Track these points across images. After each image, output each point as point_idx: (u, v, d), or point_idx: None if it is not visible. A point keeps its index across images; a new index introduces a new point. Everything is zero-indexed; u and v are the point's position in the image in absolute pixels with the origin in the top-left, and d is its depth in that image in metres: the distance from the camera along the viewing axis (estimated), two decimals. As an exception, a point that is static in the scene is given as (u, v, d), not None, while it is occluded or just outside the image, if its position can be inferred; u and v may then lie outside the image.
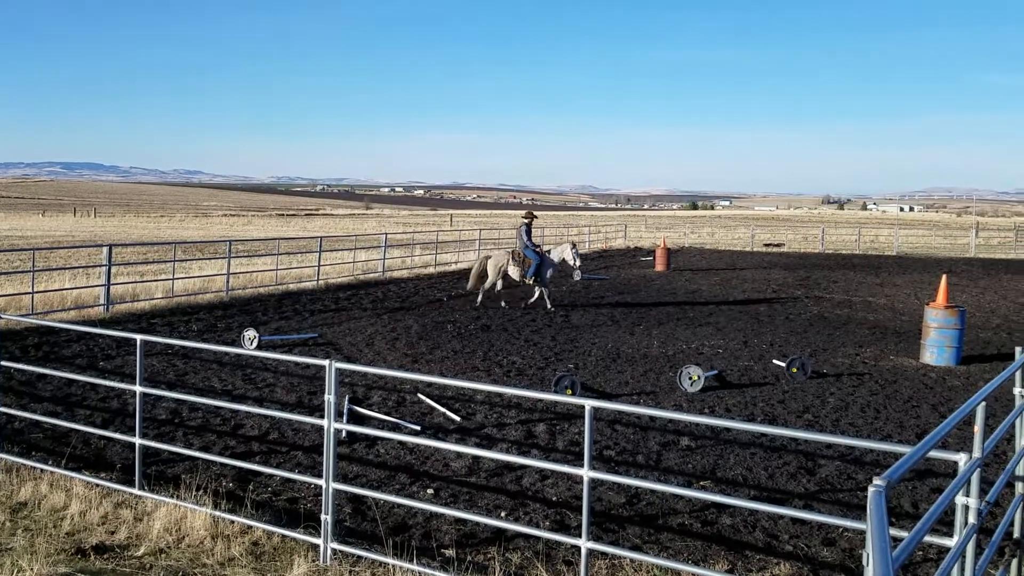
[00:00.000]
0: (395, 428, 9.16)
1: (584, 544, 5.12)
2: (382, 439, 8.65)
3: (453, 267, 30.24)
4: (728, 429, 9.23)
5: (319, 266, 23.75)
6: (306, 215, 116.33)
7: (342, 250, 28.43)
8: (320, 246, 24.31)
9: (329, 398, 5.77)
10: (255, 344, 13.69)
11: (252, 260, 25.87)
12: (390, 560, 5.65)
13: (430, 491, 7.35)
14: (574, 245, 19.85)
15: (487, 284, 19.73)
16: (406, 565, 5.59)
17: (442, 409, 9.91)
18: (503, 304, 19.71)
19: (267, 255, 25.73)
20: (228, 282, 20.38)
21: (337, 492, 6.22)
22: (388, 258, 27.83)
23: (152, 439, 8.08)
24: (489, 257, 20.01)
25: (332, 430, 5.81)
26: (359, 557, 5.81)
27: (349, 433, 8.77)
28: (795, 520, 6.72)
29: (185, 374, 11.66)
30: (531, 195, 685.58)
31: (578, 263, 19.92)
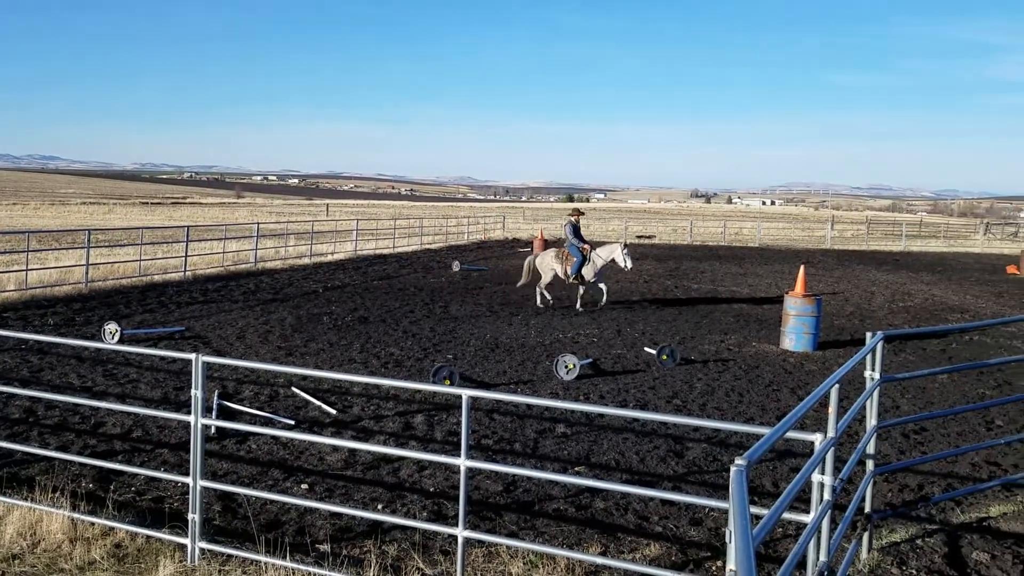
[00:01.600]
0: (268, 423, 8.93)
1: (460, 533, 5.14)
2: (254, 434, 8.41)
3: (329, 258, 29.70)
4: (602, 415, 9.45)
5: (186, 256, 22.82)
6: (172, 204, 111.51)
7: (211, 240, 27.40)
8: (187, 236, 23.36)
9: (196, 393, 5.56)
10: (117, 338, 13.04)
11: (114, 250, 24.63)
12: (262, 558, 5.51)
13: (304, 486, 7.20)
14: (626, 246, 18.70)
15: (543, 283, 19.03)
16: (278, 562, 5.46)
17: (317, 402, 9.72)
18: (548, 301, 19.03)
19: (130, 245, 24.57)
20: (87, 273, 19.32)
21: (206, 490, 6.01)
22: (260, 248, 27.06)
23: (4, 439, 7.58)
24: (536, 255, 19.49)
25: (200, 426, 5.60)
26: (229, 556, 5.63)
27: (219, 429, 8.48)
28: (664, 502, 6.95)
29: (40, 370, 11.00)
30: (410, 185, 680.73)
31: (629, 264, 18.39)
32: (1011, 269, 32.32)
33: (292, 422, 8.99)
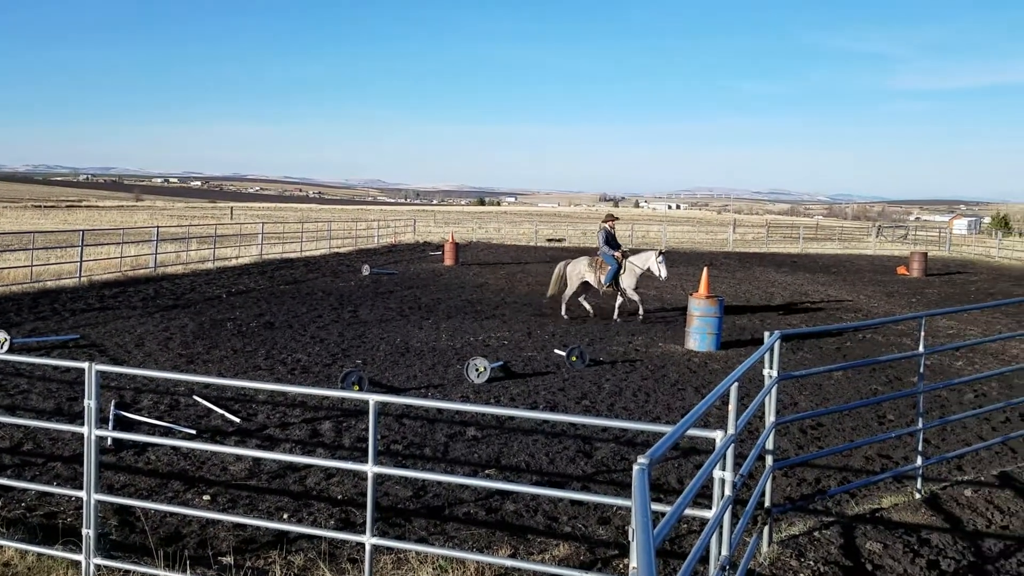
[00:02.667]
0: (168, 433, 8.64)
1: (368, 541, 5.07)
2: (153, 445, 8.13)
3: (233, 262, 28.95)
4: (512, 418, 9.49)
5: (81, 262, 21.88)
6: (67, 207, 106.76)
7: (108, 244, 26.37)
8: (83, 240, 22.40)
9: (90, 403, 5.34)
10: (6, 348, 12.41)
11: (3, 256, 23.42)
12: (160, 572, 5.33)
13: (206, 497, 6.99)
14: (661, 253, 17.61)
15: (567, 292, 18.05)
16: (179, 576, 5.28)
17: (220, 411, 9.45)
18: (589, 311, 18.17)
19: (20, 250, 23.42)
20: (-28, 280, 18.32)
21: (101, 504, 5.77)
22: (161, 253, 26.18)
23: None
24: (568, 263, 18.38)
25: (94, 438, 5.37)
26: (126, 571, 5.43)
27: (116, 440, 8.16)
28: (574, 502, 7.02)
29: (-82, 383, 10.37)
30: (318, 188, 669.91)
31: (664, 273, 17.40)
32: (901, 270, 33.90)
33: (193, 431, 8.73)
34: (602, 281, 17.68)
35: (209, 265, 27.31)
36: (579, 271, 18.01)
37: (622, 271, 17.67)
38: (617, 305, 18.11)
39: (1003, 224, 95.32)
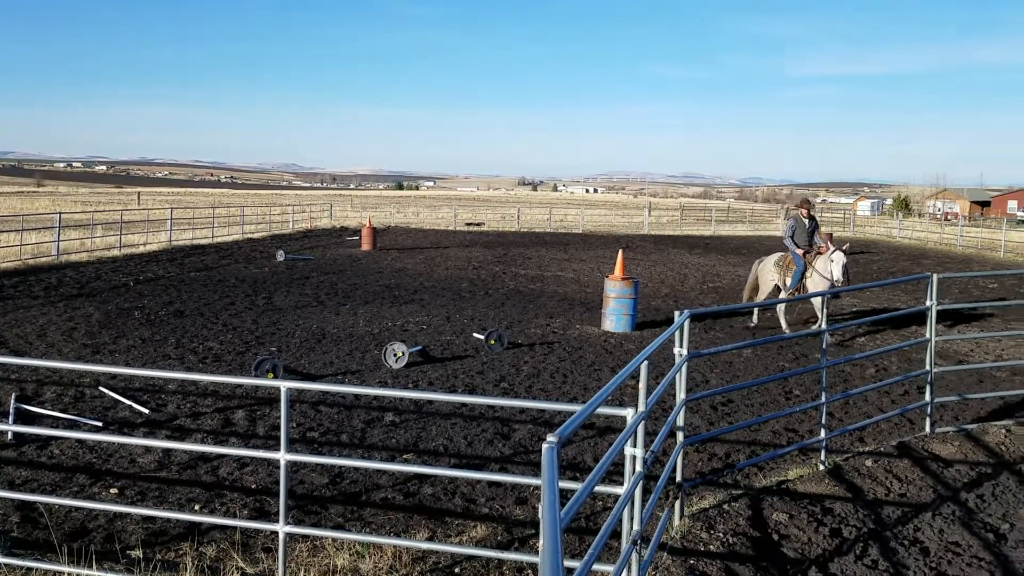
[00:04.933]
0: (73, 425, 8.34)
1: (281, 529, 5.01)
2: (57, 438, 7.83)
3: (141, 249, 28.03)
4: (431, 402, 9.48)
5: (-23, 250, 20.86)
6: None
7: (7, 232, 25.20)
8: (-23, 227, 21.36)
9: (-16, 397, 5.11)
10: None
11: None
12: (65, 568, 5.16)
13: (114, 490, 6.79)
14: (844, 252, 14.24)
15: (759, 297, 15.49)
16: (84, 572, 5.13)
17: (128, 402, 9.17)
18: (785, 330, 14.55)
19: (-92, 238, 22.18)
20: None
21: (1, 500, 5.55)
22: (63, 240, 25.16)
23: None
24: (760, 261, 15.94)
25: (-11, 432, 5.15)
26: (29, 569, 5.23)
27: (16, 434, 7.85)
28: (491, 483, 7.07)
29: None
30: (230, 172, 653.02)
31: (837, 275, 13.88)
32: (808, 251, 35.02)
33: (100, 424, 8.44)
34: (787, 285, 14.84)
35: (115, 252, 26.38)
36: (768, 272, 15.45)
37: (807, 276, 14.55)
38: (785, 312, 15.11)
39: (904, 206, 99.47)
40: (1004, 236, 38.62)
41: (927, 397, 8.72)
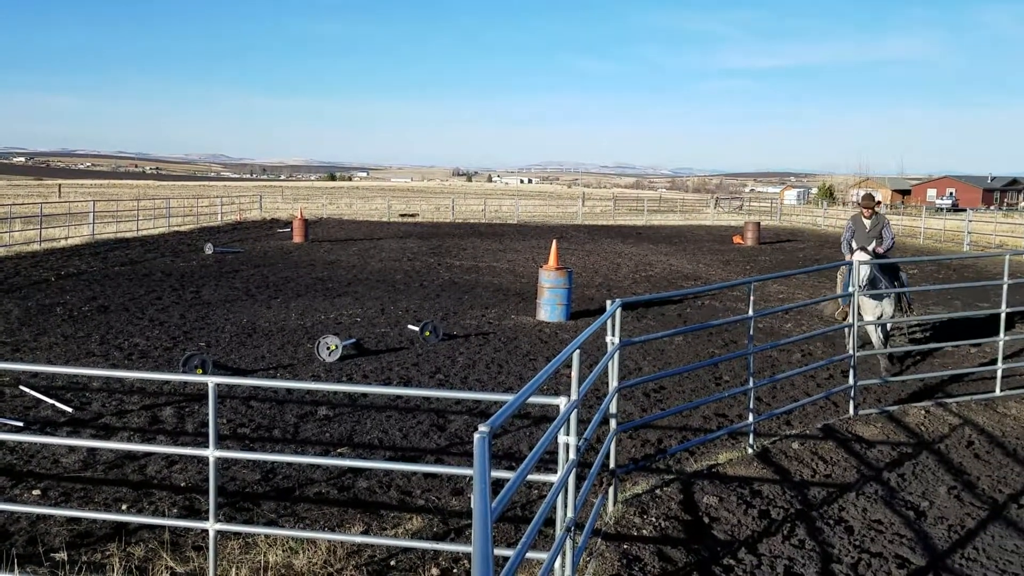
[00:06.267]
0: (-10, 427, 8.05)
1: (212, 527, 4.92)
2: (-27, 441, 7.55)
3: (63, 243, 27.13)
4: (365, 395, 9.40)
5: None
6: None
7: (-84, 226, 24.11)
8: None
9: None
10: None
11: None
12: (-16, 575, 4.98)
13: (36, 492, 6.57)
14: (873, 251, 11.20)
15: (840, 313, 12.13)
16: (5, 577, 4.96)
17: (50, 400, 8.88)
18: (888, 368, 11.35)
19: None
20: None
21: (-89, 507, 5.33)
22: (-21, 234, 24.19)
23: None
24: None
25: (-101, 436, 4.94)
26: (-56, 578, 5.04)
27: (-71, 438, 7.54)
28: (427, 475, 7.06)
29: None
30: (155, 163, 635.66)
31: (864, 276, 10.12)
32: (736, 239, 35.75)
33: (21, 423, 8.16)
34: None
35: (35, 247, 25.48)
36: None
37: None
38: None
39: (828, 194, 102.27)
40: (924, 223, 39.99)
41: (851, 380, 8.99)
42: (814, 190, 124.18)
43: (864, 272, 10.03)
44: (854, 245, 11.58)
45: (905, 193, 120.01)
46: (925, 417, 8.84)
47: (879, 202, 11.64)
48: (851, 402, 8.96)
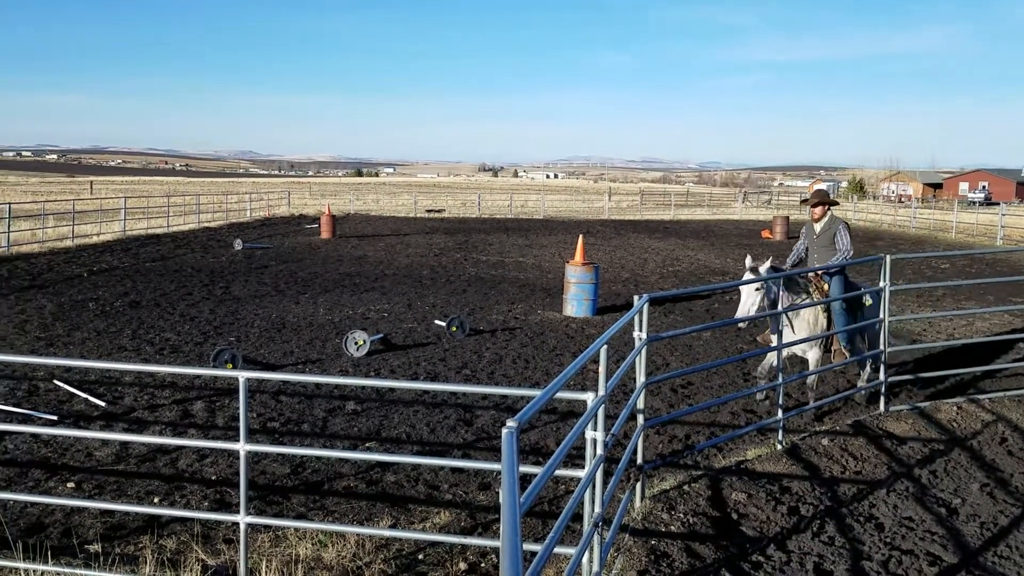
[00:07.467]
0: (26, 420, 8.19)
1: (242, 520, 4.97)
2: (10, 433, 7.69)
3: (95, 239, 27.50)
4: (392, 389, 9.45)
5: (-78, 242, 20.30)
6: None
7: (-47, 223, 24.51)
8: (-77, 219, 20.76)
9: (-68, 392, 4.99)
10: None
11: None
12: (20, 564, 5.06)
13: (70, 485, 6.68)
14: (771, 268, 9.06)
15: None
16: (40, 567, 5.04)
17: (83, 395, 9.02)
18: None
19: None
20: None
21: (-49, 499, 5.44)
22: (13, 231, 24.56)
23: None
24: None
25: (-61, 429, 5.04)
26: (-18, 568, 5.14)
27: (-33, 431, 7.68)
28: (454, 470, 7.08)
29: None
30: (185, 160, 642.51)
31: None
32: (765, 233, 35.48)
33: (55, 417, 8.30)
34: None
35: (68, 243, 25.86)
36: None
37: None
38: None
39: (859, 188, 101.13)
40: (956, 217, 39.42)
41: (881, 376, 8.89)
42: (844, 184, 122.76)
43: (752, 303, 8.46)
44: (803, 253, 9.83)
45: (937, 187, 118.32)
46: (957, 413, 8.72)
47: (834, 201, 9.70)
48: (881, 398, 8.87)
